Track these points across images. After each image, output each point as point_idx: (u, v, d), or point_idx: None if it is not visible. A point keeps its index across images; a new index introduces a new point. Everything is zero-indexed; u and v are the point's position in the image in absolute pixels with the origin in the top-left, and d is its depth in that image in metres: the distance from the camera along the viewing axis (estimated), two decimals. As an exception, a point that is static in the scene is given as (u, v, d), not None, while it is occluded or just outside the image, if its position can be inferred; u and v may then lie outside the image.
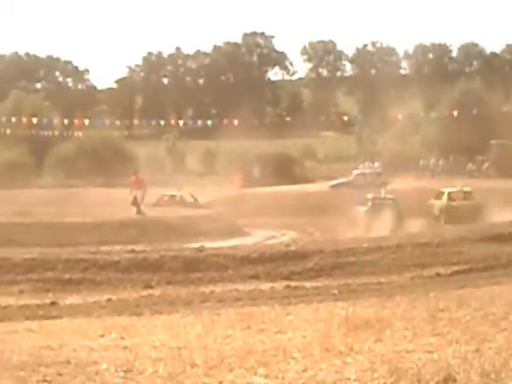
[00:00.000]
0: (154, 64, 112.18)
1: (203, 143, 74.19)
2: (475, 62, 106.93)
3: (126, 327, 8.86)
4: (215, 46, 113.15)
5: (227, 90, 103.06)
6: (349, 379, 5.66)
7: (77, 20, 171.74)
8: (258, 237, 31.97)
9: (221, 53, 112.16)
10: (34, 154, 63.71)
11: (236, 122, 50.26)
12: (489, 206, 32.83)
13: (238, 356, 6.51)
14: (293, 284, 16.00)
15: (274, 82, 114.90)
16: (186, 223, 31.29)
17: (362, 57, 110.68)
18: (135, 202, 32.62)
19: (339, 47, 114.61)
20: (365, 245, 19.58)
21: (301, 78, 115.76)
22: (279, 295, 14.24)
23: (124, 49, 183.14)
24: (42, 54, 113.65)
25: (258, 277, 17.31)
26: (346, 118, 73.53)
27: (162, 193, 42.33)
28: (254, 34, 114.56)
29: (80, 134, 61.96)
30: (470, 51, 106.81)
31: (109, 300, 14.04)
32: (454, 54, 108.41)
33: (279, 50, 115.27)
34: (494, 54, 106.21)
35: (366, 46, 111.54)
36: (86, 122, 54.82)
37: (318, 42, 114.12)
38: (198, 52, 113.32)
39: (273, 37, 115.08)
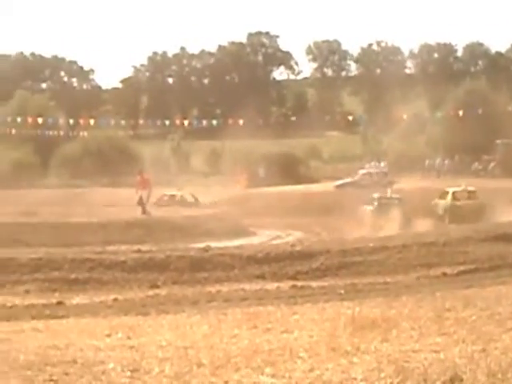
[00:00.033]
0: (159, 64, 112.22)
1: (208, 143, 74.17)
2: (480, 62, 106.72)
3: (132, 327, 8.86)
4: (220, 46, 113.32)
5: (232, 90, 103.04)
6: (355, 379, 5.65)
7: (82, 20, 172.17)
8: (264, 237, 31.95)
9: (226, 52, 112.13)
10: (40, 154, 63.77)
11: (241, 121, 50.23)
12: (495, 206, 32.77)
13: (245, 355, 6.51)
14: (299, 284, 16.00)
15: (278, 81, 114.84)
16: (191, 223, 31.29)
17: (367, 56, 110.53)
18: (141, 202, 32.66)
19: (344, 47, 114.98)
20: (371, 244, 19.57)
21: (306, 78, 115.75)
22: (285, 295, 14.24)
23: (129, 49, 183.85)
24: (48, 54, 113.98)
25: (264, 276, 17.31)
26: (351, 118, 73.55)
27: (162, 193, 42.27)
28: (259, 33, 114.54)
29: (85, 133, 62.02)
30: (476, 51, 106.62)
31: (115, 300, 14.07)
32: (460, 53, 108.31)
33: (284, 49, 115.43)
34: (499, 54, 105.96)
35: (370, 45, 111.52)
36: (92, 121, 54.92)
37: (323, 42, 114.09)
38: (202, 52, 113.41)
39: (278, 36, 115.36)
